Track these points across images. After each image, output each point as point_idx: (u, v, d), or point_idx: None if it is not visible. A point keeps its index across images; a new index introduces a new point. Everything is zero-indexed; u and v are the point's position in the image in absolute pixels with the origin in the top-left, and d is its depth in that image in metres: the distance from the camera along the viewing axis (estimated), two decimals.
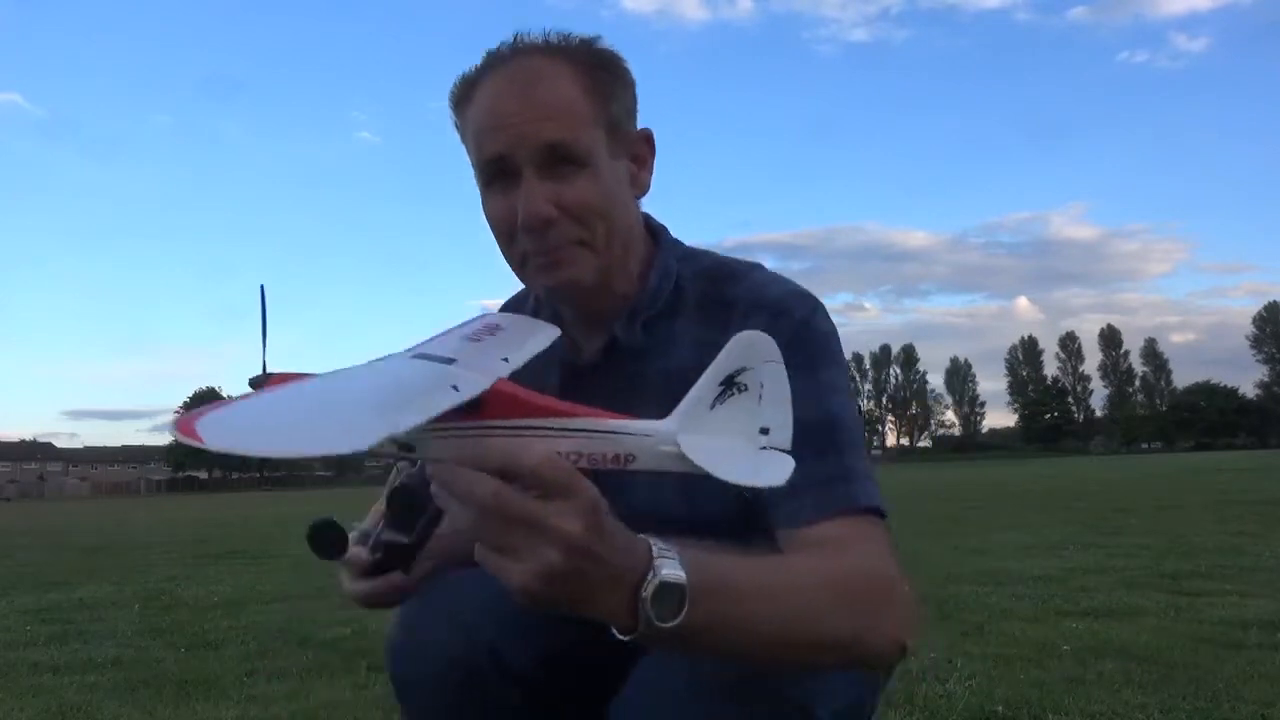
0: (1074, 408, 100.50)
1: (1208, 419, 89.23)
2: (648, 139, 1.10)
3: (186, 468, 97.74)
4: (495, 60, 1.05)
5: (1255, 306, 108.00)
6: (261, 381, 0.78)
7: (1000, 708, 2.47)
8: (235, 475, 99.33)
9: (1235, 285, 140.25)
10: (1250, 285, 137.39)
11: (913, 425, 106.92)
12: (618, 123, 1.04)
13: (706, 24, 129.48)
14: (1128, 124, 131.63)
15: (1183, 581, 4.48)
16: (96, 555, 9.12)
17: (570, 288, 1.04)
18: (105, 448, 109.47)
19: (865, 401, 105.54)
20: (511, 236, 1.03)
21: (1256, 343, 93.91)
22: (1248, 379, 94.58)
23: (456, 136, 1.11)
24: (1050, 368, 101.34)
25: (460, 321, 0.84)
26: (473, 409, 0.70)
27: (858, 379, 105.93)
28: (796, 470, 0.71)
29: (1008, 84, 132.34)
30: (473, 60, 1.09)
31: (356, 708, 2.73)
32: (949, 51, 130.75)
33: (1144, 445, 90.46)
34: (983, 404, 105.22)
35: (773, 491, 0.78)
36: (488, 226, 1.06)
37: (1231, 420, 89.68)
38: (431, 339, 0.82)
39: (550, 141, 0.99)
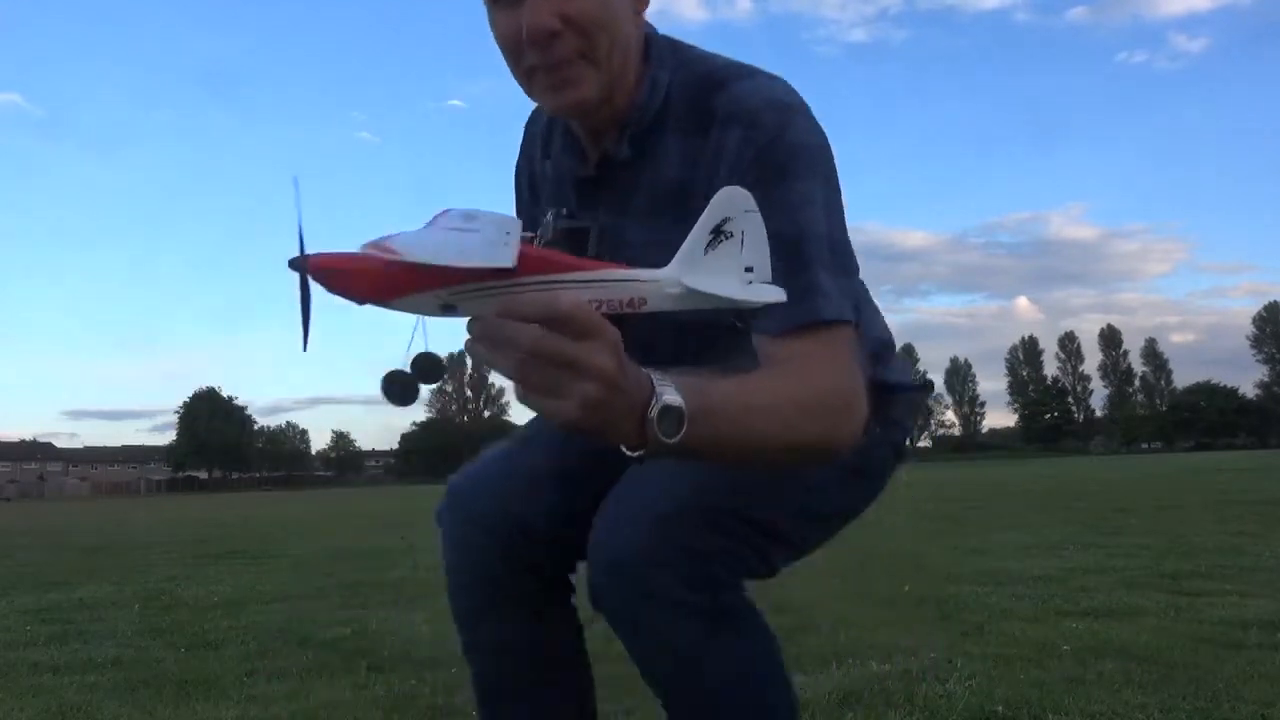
0: (1074, 408, 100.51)
1: (1208, 419, 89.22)
2: None
3: (186, 468, 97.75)
4: None
5: (1255, 306, 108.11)
6: (302, 263, 0.82)
7: (1000, 708, 2.47)
8: (235, 475, 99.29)
9: (1235, 285, 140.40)
10: (1250, 285, 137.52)
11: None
12: None
13: (706, 24, 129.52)
14: (1127, 124, 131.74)
15: (1183, 581, 4.48)
16: (96, 555, 9.12)
17: (576, 108, 1.09)
18: (105, 448, 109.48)
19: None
20: (519, 53, 1.06)
21: (1256, 343, 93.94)
22: (1248, 379, 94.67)
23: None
24: (1050, 368, 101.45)
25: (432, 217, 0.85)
26: (504, 270, 0.79)
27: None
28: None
29: (1007, 84, 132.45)
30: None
31: (356, 708, 2.73)
32: (948, 52, 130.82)
33: (1144, 445, 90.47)
34: (983, 404, 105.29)
35: (741, 314, 0.91)
36: (499, 49, 1.09)
37: (1231, 420, 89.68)
38: (429, 226, 0.83)
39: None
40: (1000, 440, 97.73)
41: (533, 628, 1.34)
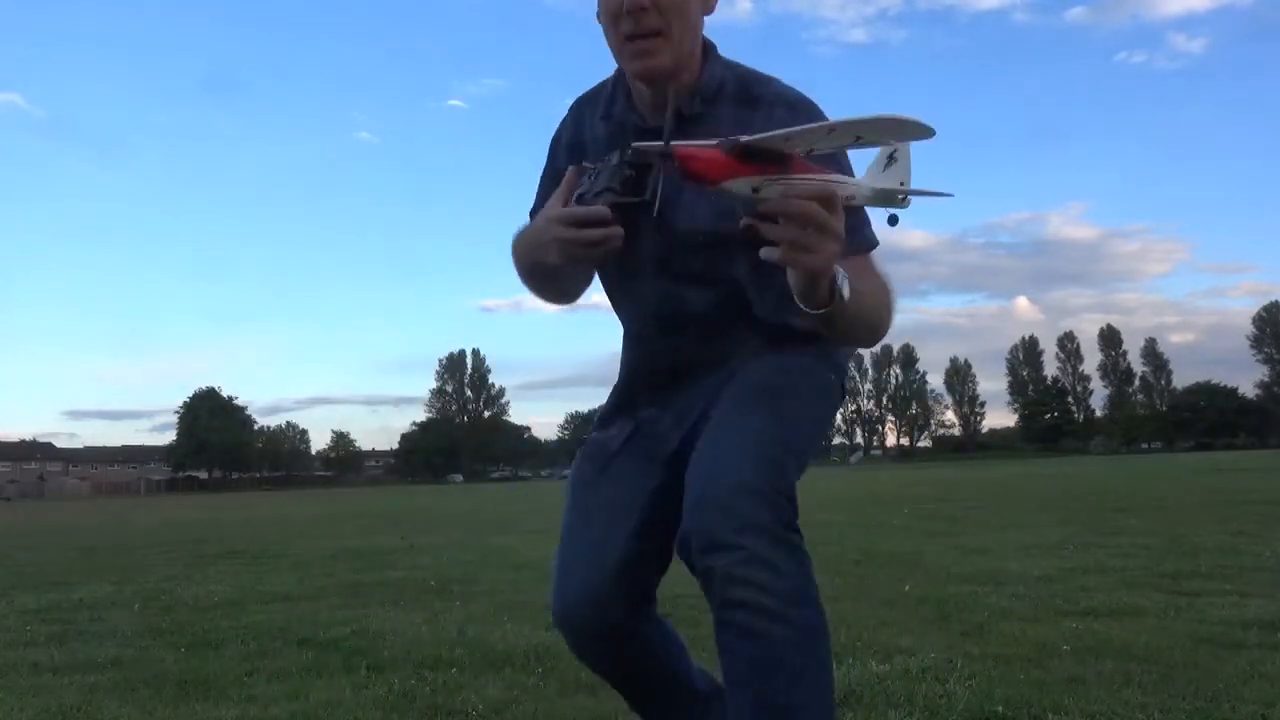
0: (1074, 408, 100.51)
1: (1208, 419, 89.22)
2: None
3: (186, 468, 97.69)
4: None
5: (1255, 306, 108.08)
6: (668, 150, 1.23)
7: (1000, 708, 2.47)
8: (235, 475, 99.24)
9: (1235, 285, 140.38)
10: (1250, 285, 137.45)
11: (913, 425, 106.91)
12: None
13: (706, 24, 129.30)
14: (1126, 124, 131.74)
15: (1183, 581, 4.48)
16: (96, 555, 9.12)
17: (653, 72, 1.49)
18: (105, 448, 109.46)
19: (865, 401, 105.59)
20: (616, 22, 1.47)
21: (1256, 343, 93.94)
22: (1248, 379, 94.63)
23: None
24: (1050, 368, 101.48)
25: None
26: (785, 167, 1.23)
27: (858, 378, 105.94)
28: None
29: (1006, 84, 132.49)
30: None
31: (356, 708, 2.73)
32: (947, 52, 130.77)
33: (1144, 445, 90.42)
34: (983, 404, 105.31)
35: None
36: (601, 20, 1.50)
37: (1231, 420, 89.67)
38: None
39: None
40: (1000, 440, 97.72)
41: (646, 653, 1.68)
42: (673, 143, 1.23)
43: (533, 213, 1.67)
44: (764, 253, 1.21)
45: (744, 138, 1.21)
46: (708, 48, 1.57)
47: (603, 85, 1.66)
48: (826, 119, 1.39)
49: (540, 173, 1.71)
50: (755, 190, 1.21)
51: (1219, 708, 2.43)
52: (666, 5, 1.44)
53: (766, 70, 1.57)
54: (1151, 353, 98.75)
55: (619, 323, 1.72)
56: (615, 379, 1.75)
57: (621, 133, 1.54)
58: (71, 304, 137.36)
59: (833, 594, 4.47)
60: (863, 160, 1.38)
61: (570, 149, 1.64)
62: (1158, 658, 2.96)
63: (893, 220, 1.38)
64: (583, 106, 1.68)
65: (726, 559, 1.26)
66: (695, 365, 1.60)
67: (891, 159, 1.32)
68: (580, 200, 1.41)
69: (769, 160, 1.22)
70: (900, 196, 1.34)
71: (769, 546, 1.26)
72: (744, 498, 1.28)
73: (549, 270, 1.51)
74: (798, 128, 1.22)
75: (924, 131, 1.20)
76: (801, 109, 1.49)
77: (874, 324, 1.42)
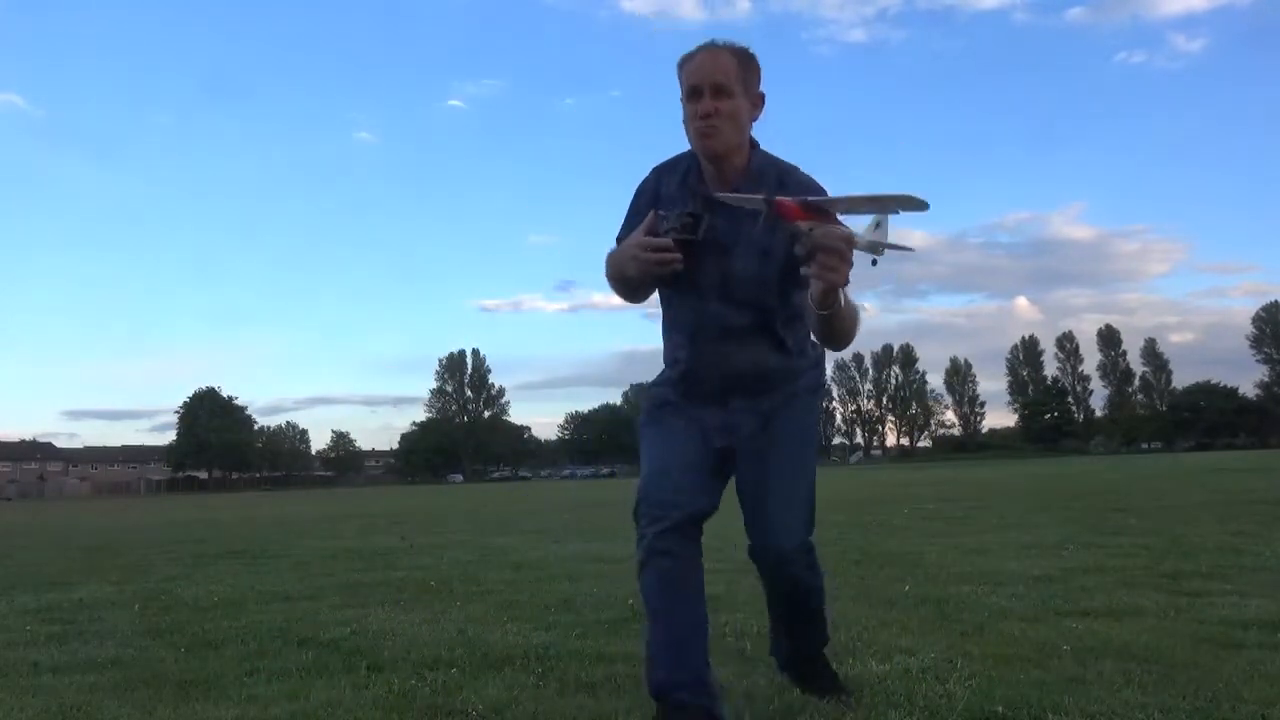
0: (1074, 408, 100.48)
1: (1208, 419, 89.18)
2: (762, 97, 2.28)
3: (186, 468, 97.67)
4: (702, 45, 2.24)
5: (1255, 306, 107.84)
6: (771, 199, 2.02)
7: (1000, 708, 2.47)
8: (235, 475, 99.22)
9: (1235, 285, 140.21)
10: (1250, 285, 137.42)
11: (913, 425, 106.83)
12: (748, 83, 2.24)
13: (705, 24, 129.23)
14: (1126, 124, 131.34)
15: (1183, 581, 4.48)
16: (96, 555, 9.12)
17: (713, 149, 2.22)
18: (105, 448, 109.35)
19: (865, 401, 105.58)
20: (695, 118, 2.21)
21: (1256, 343, 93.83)
22: (1248, 379, 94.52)
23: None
24: (1050, 368, 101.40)
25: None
26: (826, 219, 1.96)
27: (858, 378, 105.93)
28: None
29: (1006, 84, 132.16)
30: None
31: (356, 708, 2.73)
32: (947, 52, 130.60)
33: (1144, 445, 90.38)
34: (983, 404, 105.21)
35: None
36: (683, 108, 2.25)
37: (1231, 420, 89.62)
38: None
39: (718, 82, 2.19)
40: (1000, 440, 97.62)
41: (695, 563, 2.28)
42: (774, 196, 2.05)
43: (619, 238, 2.36)
44: (804, 270, 1.99)
45: (810, 198, 2.03)
46: (754, 142, 2.31)
47: (679, 158, 2.37)
48: (826, 192, 2.15)
49: (626, 210, 2.40)
50: (809, 230, 1.96)
51: (1219, 708, 2.43)
52: (726, 111, 2.20)
53: (766, 69, 2.28)
54: (1151, 353, 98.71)
55: (670, 329, 2.42)
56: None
57: (689, 195, 2.29)
58: (71, 304, 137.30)
59: (832, 594, 4.47)
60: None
61: (651, 201, 2.33)
62: (1158, 658, 2.96)
63: (874, 262, 2.24)
64: (662, 172, 2.38)
65: (791, 559, 2.36)
66: (738, 373, 2.33)
67: (879, 223, 2.19)
68: (654, 234, 2.18)
69: (819, 213, 1.99)
70: (881, 249, 2.23)
71: (808, 554, 2.40)
72: (797, 535, 2.34)
73: (627, 279, 2.28)
74: (841, 196, 2.02)
75: (921, 205, 1.92)
76: (815, 189, 2.19)
77: (850, 331, 2.17)
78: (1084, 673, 2.81)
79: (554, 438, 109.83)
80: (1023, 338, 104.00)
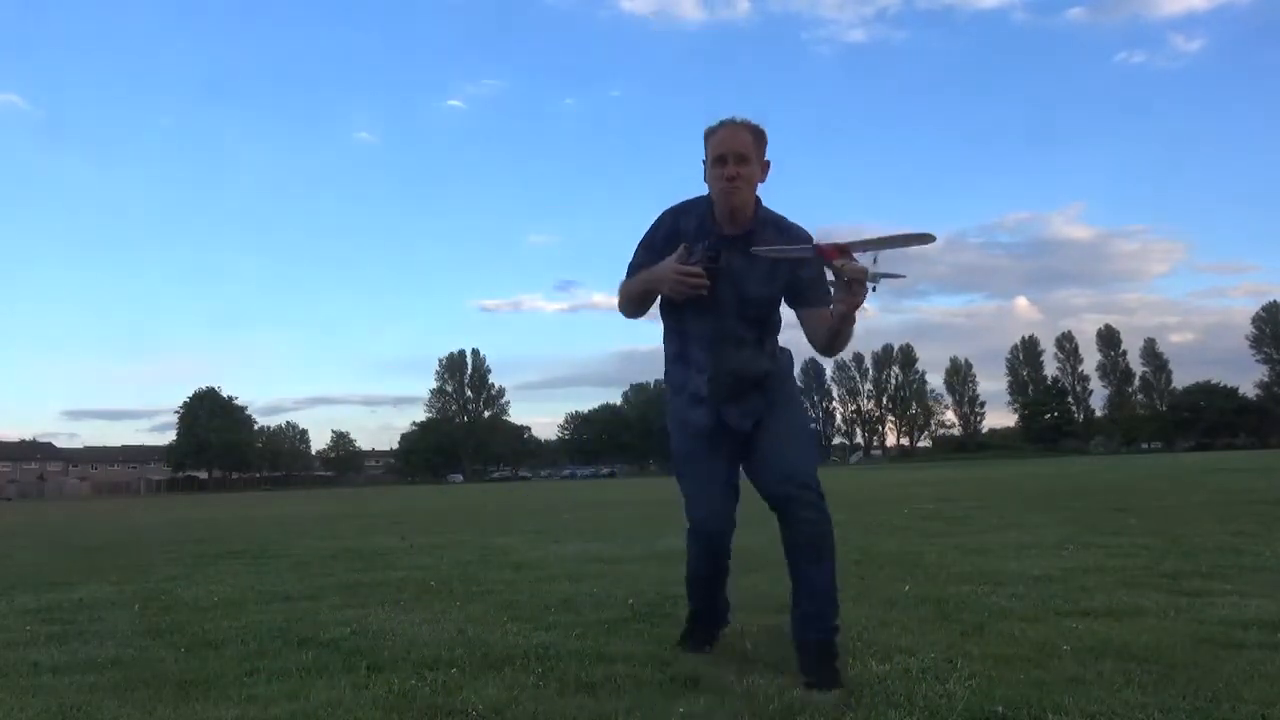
0: (1074, 407, 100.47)
1: (1208, 419, 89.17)
2: (769, 164, 2.93)
3: (186, 468, 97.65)
4: (724, 121, 2.88)
5: (1255, 306, 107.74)
6: (815, 247, 2.72)
7: (1000, 708, 2.47)
8: (235, 475, 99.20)
9: (1235, 285, 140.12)
10: (1250, 285, 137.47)
11: (913, 425, 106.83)
12: (760, 153, 2.90)
13: (704, 24, 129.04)
14: (1126, 124, 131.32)
15: (1183, 581, 4.48)
16: (96, 555, 9.12)
17: (734, 204, 2.87)
18: (105, 448, 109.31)
19: (865, 401, 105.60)
20: (719, 179, 2.84)
21: (1256, 343, 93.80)
22: (1248, 379, 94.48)
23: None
24: (1050, 368, 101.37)
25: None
26: (849, 256, 2.64)
27: (858, 378, 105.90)
28: (824, 284, 2.80)
29: (1005, 84, 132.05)
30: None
31: (356, 708, 2.73)
32: (946, 52, 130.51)
33: (1144, 445, 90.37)
34: (983, 404, 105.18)
35: (817, 293, 2.86)
36: (707, 169, 2.91)
37: (1231, 420, 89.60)
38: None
39: (739, 152, 2.85)
40: (1000, 440, 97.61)
41: (727, 560, 3.29)
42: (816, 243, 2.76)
43: (632, 263, 3.02)
44: (834, 296, 2.72)
45: (840, 242, 2.64)
46: (759, 199, 2.96)
47: (694, 203, 2.99)
48: (811, 238, 2.90)
49: (640, 240, 3.03)
50: (841, 266, 2.62)
51: (1219, 708, 2.43)
52: (744, 175, 2.86)
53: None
54: (1151, 353, 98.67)
55: (685, 339, 3.03)
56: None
57: (706, 233, 2.93)
58: (72, 304, 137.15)
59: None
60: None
61: (667, 235, 2.97)
62: (1158, 658, 2.96)
63: (874, 289, 2.69)
64: (678, 214, 2.99)
65: (802, 495, 2.87)
66: (748, 375, 2.97)
67: (875, 259, 2.66)
68: (687, 262, 2.86)
69: (845, 253, 2.63)
70: (879, 279, 2.69)
71: (817, 494, 2.89)
72: (808, 474, 2.91)
73: (649, 296, 2.99)
74: (860, 239, 2.63)
75: (928, 239, 2.59)
76: (803, 235, 2.92)
77: (848, 340, 2.89)
78: (1084, 673, 2.81)
79: (554, 438, 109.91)
80: (1023, 338, 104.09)
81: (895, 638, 3.40)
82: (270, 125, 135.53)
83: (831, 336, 2.82)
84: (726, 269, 2.86)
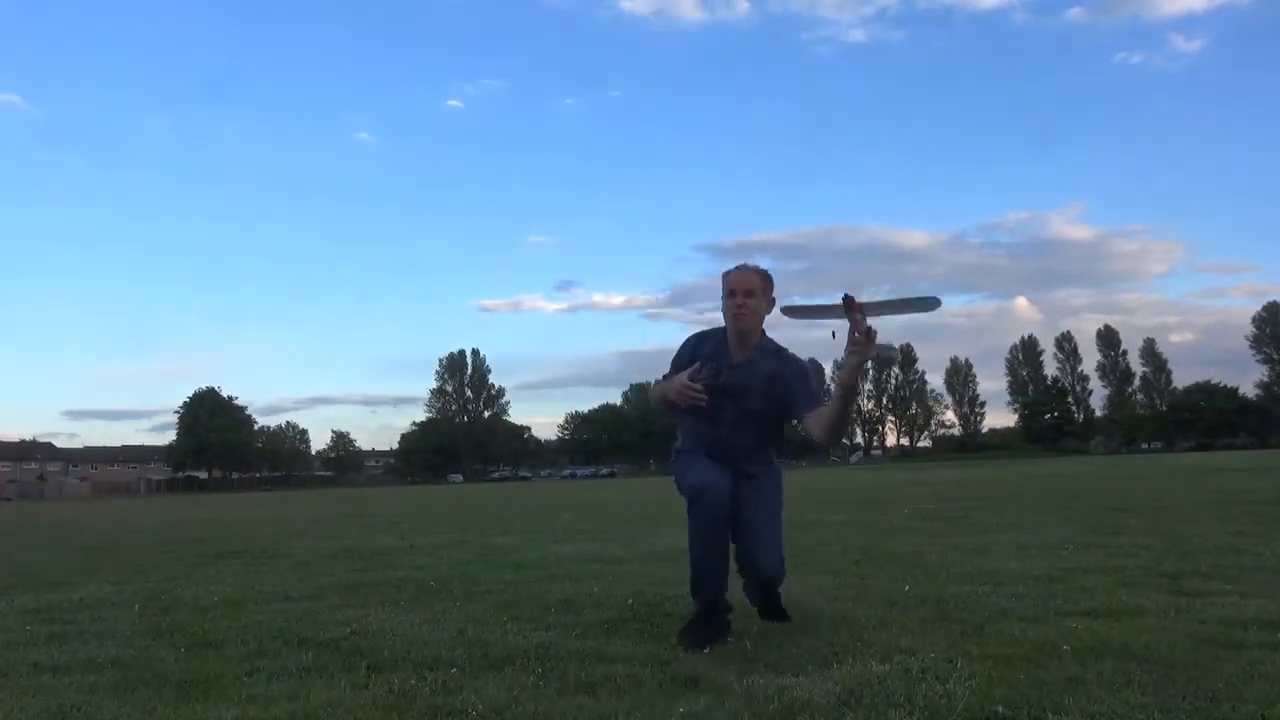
0: (1074, 408, 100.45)
1: (1208, 419, 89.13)
2: (774, 301, 3.72)
3: (186, 468, 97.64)
4: (739, 265, 3.73)
5: (1255, 306, 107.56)
6: (849, 302, 3.37)
7: (1000, 708, 2.47)
8: (235, 475, 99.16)
9: (1235, 285, 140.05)
10: (1249, 285, 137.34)
11: (913, 425, 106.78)
12: (766, 292, 3.69)
13: (704, 24, 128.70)
14: (1126, 124, 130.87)
15: (1183, 581, 4.49)
16: (96, 555, 9.12)
17: (742, 327, 3.66)
18: (105, 448, 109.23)
19: (865, 401, 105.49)
20: (731, 306, 3.64)
21: (1256, 343, 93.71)
22: (1248, 379, 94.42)
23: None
24: (1050, 368, 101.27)
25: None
26: (863, 311, 3.36)
27: (857, 380, 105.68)
28: (815, 395, 3.66)
29: (1005, 84, 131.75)
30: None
31: (356, 708, 2.73)
32: (946, 52, 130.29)
33: (1144, 445, 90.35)
34: (983, 404, 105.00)
35: (810, 396, 3.62)
36: (724, 300, 3.69)
37: (1231, 420, 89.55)
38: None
39: (749, 288, 3.65)
40: (1000, 440, 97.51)
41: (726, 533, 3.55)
42: (849, 298, 3.37)
43: (665, 375, 3.74)
44: (847, 347, 3.26)
45: (861, 300, 3.33)
46: (764, 332, 3.69)
47: (712, 332, 3.75)
48: (808, 368, 3.66)
49: (672, 358, 3.77)
50: (861, 316, 3.26)
51: (1219, 708, 2.43)
52: (752, 306, 3.61)
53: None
54: (1151, 353, 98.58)
55: (690, 436, 3.77)
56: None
57: (718, 356, 3.65)
58: (71, 304, 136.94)
59: (832, 594, 4.47)
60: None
61: (690, 357, 3.68)
62: (1158, 658, 2.96)
63: (880, 358, 3.41)
64: (699, 340, 3.75)
65: (775, 580, 3.77)
66: (740, 447, 3.67)
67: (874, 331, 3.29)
68: (695, 377, 3.54)
69: (861, 309, 3.28)
70: (879, 353, 3.35)
71: (781, 574, 3.78)
72: (777, 561, 3.72)
73: (671, 402, 3.60)
74: (874, 300, 3.38)
75: (935, 304, 3.55)
76: (800, 364, 3.68)
77: (848, 421, 3.54)
78: (1084, 673, 2.81)
79: (554, 438, 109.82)
80: (1022, 338, 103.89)
81: (895, 638, 3.40)
82: (270, 125, 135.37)
83: (838, 413, 3.44)
84: (727, 385, 3.58)
